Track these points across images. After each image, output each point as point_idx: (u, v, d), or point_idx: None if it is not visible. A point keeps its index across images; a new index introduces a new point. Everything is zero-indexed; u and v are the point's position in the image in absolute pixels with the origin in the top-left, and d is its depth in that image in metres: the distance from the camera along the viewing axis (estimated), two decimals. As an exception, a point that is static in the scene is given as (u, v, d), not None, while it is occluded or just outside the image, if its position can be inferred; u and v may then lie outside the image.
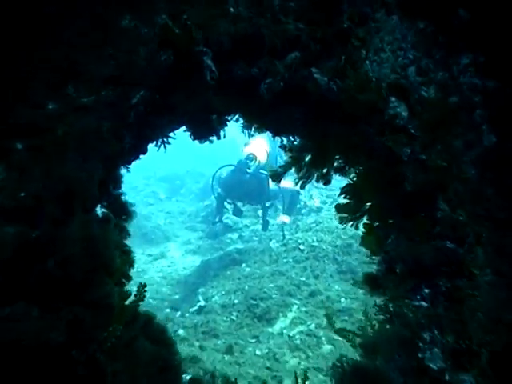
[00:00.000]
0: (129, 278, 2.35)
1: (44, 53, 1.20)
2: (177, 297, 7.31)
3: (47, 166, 1.16)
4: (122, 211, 2.25)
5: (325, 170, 2.23)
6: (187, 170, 16.37)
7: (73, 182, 1.23)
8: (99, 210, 1.98)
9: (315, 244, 7.09)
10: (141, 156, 2.27)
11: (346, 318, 5.19)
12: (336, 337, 4.86)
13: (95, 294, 1.57)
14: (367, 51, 1.47)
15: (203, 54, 1.77)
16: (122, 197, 2.27)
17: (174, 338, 4.91)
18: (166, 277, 8.22)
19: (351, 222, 2.21)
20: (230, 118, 2.46)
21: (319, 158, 2.12)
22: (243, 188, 7.70)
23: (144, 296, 2.19)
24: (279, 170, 2.37)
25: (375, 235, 2.12)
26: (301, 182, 2.33)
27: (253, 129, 2.55)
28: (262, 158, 8.14)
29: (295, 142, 2.24)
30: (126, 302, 2.05)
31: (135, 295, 2.13)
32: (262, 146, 8.48)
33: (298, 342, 4.80)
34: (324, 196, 10.59)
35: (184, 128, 2.31)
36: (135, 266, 7.37)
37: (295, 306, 5.61)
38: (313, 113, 1.92)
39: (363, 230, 2.20)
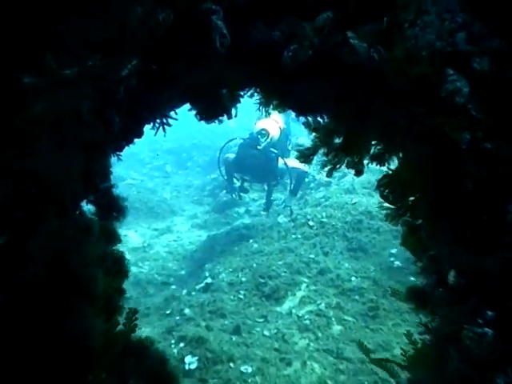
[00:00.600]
0: (119, 307, 1.85)
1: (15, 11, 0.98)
2: (183, 272, 7.21)
3: (14, 156, 0.94)
4: (112, 208, 1.88)
5: (357, 158, 1.94)
6: (194, 142, 16.11)
7: (45, 177, 0.99)
8: (85, 208, 1.66)
9: (324, 220, 6.92)
10: (135, 140, 1.96)
11: (357, 297, 5.05)
12: (346, 317, 4.74)
13: (67, 334, 1.16)
14: (414, 12, 1.19)
15: (212, 13, 1.42)
16: (113, 190, 1.92)
17: (180, 318, 4.83)
18: (172, 252, 8.11)
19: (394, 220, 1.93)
20: (243, 93, 2.10)
21: (352, 142, 1.83)
22: (250, 164, 7.24)
23: (136, 325, 1.79)
24: (306, 151, 2.08)
25: (418, 236, 1.85)
26: (327, 168, 2.04)
27: (272, 107, 2.19)
28: (274, 134, 7.69)
29: (323, 122, 1.94)
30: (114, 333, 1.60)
31: (124, 324, 1.69)
32: (276, 123, 8.00)
33: (307, 322, 4.67)
34: (333, 169, 10.36)
35: (188, 105, 2.03)
36: (141, 240, 7.28)
37: (304, 285, 5.47)
38: (347, 88, 1.56)
39: (404, 228, 1.92)
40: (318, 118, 1.98)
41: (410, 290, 1.95)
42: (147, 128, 2.06)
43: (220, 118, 2.06)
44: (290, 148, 8.79)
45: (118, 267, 1.97)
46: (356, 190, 8.02)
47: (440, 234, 1.61)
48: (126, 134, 1.85)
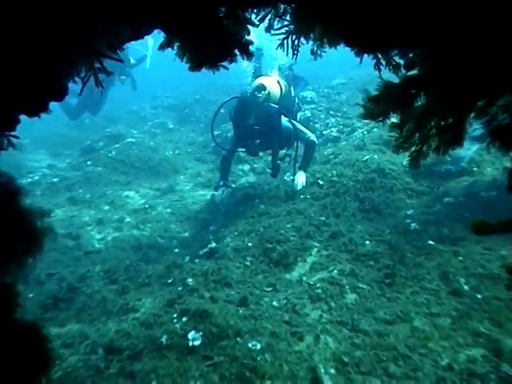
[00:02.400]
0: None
1: None
2: (186, 234, 6.90)
3: None
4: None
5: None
6: (196, 97, 15.54)
7: None
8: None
9: (335, 179, 6.52)
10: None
11: (372, 263, 4.71)
12: (361, 285, 4.42)
13: None
14: None
15: None
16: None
17: (183, 289, 4.53)
18: (174, 213, 7.78)
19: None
20: (258, 14, 1.38)
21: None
22: (249, 127, 6.39)
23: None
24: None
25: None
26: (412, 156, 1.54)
27: (311, 42, 1.50)
28: (274, 90, 6.90)
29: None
30: None
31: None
32: (275, 80, 7.19)
33: (319, 291, 4.34)
34: (341, 124, 9.90)
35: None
36: (143, 201, 7.03)
37: (315, 250, 5.13)
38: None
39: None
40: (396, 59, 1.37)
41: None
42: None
43: (220, 62, 1.43)
44: (299, 107, 8.16)
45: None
46: (367, 146, 7.61)
47: None
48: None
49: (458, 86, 1.26)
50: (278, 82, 7.15)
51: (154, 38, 1.52)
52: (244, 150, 6.76)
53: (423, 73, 1.27)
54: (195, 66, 1.41)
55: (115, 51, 1.50)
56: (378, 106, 1.43)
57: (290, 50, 1.65)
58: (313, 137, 6.99)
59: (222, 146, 7.36)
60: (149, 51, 10.97)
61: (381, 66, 1.48)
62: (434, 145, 1.49)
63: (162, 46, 1.45)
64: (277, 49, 1.71)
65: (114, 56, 1.48)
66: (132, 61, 10.99)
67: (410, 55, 1.33)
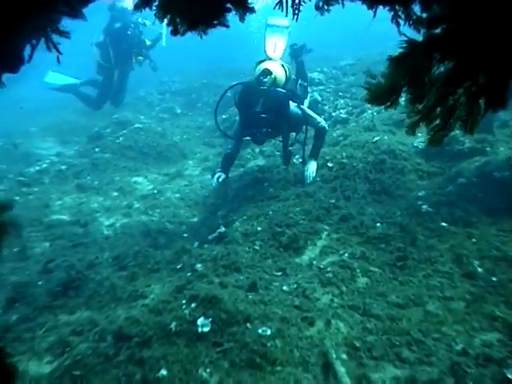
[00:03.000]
0: None
1: None
2: (195, 219, 6.86)
3: None
4: None
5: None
6: (203, 82, 15.38)
7: None
8: None
9: (344, 161, 6.40)
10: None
11: (383, 246, 4.63)
12: (372, 268, 4.35)
13: None
14: None
15: None
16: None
17: (192, 274, 4.48)
18: (183, 198, 7.73)
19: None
20: None
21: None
22: (255, 114, 5.89)
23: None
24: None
25: None
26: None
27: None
28: (279, 74, 6.65)
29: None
30: None
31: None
32: (279, 63, 6.92)
33: (330, 275, 4.27)
34: (350, 106, 9.76)
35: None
36: (151, 187, 6.98)
37: (325, 233, 5.04)
38: None
39: None
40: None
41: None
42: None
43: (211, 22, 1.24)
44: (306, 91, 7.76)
45: None
46: (376, 127, 7.48)
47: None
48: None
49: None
50: (283, 66, 6.89)
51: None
52: (250, 138, 6.29)
53: (450, 31, 1.14)
54: (186, 27, 1.26)
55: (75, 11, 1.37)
56: (393, 76, 1.31)
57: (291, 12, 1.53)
58: (323, 122, 6.67)
59: (228, 134, 6.93)
60: (163, 29, 10.75)
61: (400, 21, 1.32)
62: (463, 115, 1.36)
63: (138, 7, 1.32)
64: (274, 8, 1.58)
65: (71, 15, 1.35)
66: (148, 42, 10.84)
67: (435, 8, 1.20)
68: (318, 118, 6.70)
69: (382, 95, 1.46)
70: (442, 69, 1.28)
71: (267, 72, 6.38)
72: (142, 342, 3.59)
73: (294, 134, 6.90)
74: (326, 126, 6.69)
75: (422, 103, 1.40)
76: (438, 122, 1.42)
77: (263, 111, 5.87)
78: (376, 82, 1.46)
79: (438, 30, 1.20)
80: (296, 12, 1.52)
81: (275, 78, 6.48)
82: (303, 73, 8.20)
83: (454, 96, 1.31)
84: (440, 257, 4.31)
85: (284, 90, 6.31)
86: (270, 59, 7.10)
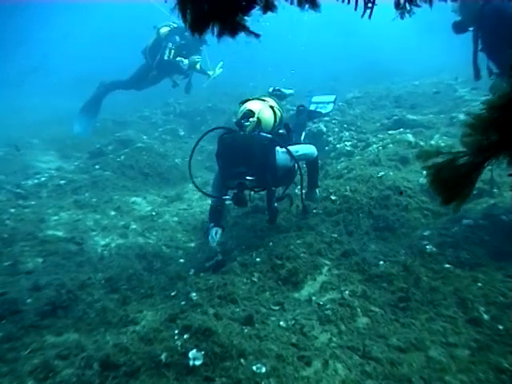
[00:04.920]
0: None
1: None
2: (192, 244, 6.73)
3: None
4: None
5: None
6: (208, 105, 15.41)
7: None
8: None
9: (348, 194, 6.30)
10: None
11: (385, 285, 4.48)
12: (373, 308, 4.20)
13: None
14: None
15: None
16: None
17: (186, 303, 4.32)
18: (181, 222, 7.61)
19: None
20: None
21: None
22: (236, 156, 5.04)
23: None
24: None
25: None
26: None
27: None
28: (265, 116, 5.70)
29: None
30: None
31: None
32: (267, 104, 5.96)
33: (329, 312, 4.12)
34: (355, 139, 9.71)
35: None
36: (150, 208, 6.85)
37: (326, 268, 4.90)
38: None
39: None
40: None
41: None
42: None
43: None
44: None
45: None
46: (381, 162, 7.40)
47: None
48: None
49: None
50: (272, 108, 5.92)
51: None
52: (229, 198, 5.34)
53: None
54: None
55: None
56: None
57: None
58: (312, 152, 5.88)
59: (207, 193, 6.02)
60: (213, 73, 11.02)
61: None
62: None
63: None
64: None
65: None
66: (198, 66, 11.04)
67: None
68: (308, 150, 5.87)
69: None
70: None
71: (249, 114, 5.53)
72: (130, 372, 3.42)
73: (284, 187, 6.03)
74: (316, 151, 5.93)
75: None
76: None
77: (247, 172, 5.00)
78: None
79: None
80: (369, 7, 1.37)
81: (259, 121, 5.58)
82: (300, 125, 7.77)
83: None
84: (444, 300, 4.16)
85: (269, 136, 5.40)
86: (258, 98, 6.15)
